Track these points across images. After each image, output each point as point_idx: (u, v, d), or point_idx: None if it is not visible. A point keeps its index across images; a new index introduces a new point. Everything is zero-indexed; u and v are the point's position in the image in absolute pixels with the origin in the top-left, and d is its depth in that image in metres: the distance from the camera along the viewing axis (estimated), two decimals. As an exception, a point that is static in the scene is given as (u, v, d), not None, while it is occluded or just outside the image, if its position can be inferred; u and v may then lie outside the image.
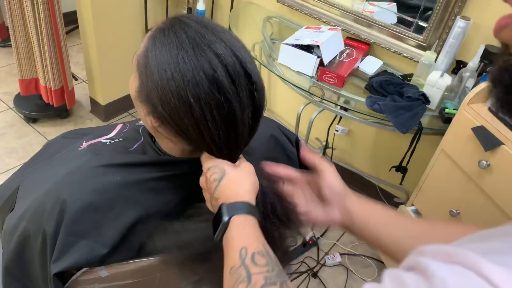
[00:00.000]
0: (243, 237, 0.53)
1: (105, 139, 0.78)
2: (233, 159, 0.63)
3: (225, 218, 0.55)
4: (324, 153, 2.04)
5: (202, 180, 0.62)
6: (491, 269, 0.22)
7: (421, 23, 1.59)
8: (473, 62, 1.36)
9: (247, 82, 0.58)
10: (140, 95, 0.61)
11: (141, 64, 0.60)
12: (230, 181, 0.59)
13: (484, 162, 1.17)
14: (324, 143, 2.02)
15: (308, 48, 1.54)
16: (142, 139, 0.76)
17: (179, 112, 0.57)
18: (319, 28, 1.66)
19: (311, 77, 1.55)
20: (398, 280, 0.27)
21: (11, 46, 2.01)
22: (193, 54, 0.56)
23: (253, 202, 0.58)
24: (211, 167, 0.60)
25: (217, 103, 0.56)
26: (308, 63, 1.54)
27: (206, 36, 0.57)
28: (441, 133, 1.38)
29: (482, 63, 1.38)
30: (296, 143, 0.86)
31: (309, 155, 0.70)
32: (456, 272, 0.24)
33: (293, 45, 1.54)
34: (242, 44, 0.61)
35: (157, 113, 0.60)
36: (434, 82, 1.40)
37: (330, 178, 0.67)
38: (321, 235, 1.91)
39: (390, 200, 2.03)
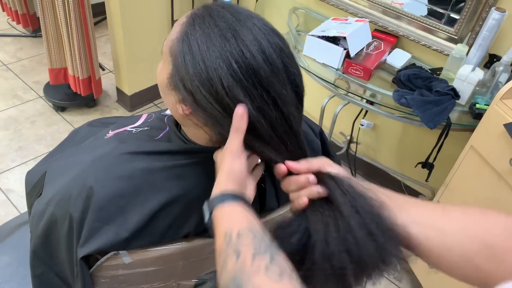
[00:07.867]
0: (225, 222, 0.53)
1: (131, 128, 0.79)
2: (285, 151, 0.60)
3: (206, 216, 0.56)
4: (348, 148, 2.02)
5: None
6: None
7: (453, 15, 1.53)
8: (508, 55, 1.31)
9: (286, 71, 0.58)
10: (172, 81, 0.60)
11: (177, 50, 0.58)
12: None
13: (516, 160, 1.13)
14: (348, 138, 1.99)
15: (334, 40, 1.51)
16: (168, 129, 0.76)
17: (221, 99, 0.56)
18: (346, 19, 1.63)
19: (337, 69, 1.52)
20: None
21: (41, 36, 2.06)
22: (236, 43, 0.55)
23: (228, 189, 0.56)
24: None
25: (260, 93, 0.56)
26: (334, 55, 1.51)
27: (244, 26, 0.57)
28: (471, 129, 1.34)
29: (517, 57, 1.33)
30: (321, 135, 0.85)
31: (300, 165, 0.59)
32: None
33: (319, 37, 1.52)
34: (277, 31, 0.61)
35: (191, 100, 0.58)
36: (465, 77, 1.36)
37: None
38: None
39: (415, 197, 1.99)
